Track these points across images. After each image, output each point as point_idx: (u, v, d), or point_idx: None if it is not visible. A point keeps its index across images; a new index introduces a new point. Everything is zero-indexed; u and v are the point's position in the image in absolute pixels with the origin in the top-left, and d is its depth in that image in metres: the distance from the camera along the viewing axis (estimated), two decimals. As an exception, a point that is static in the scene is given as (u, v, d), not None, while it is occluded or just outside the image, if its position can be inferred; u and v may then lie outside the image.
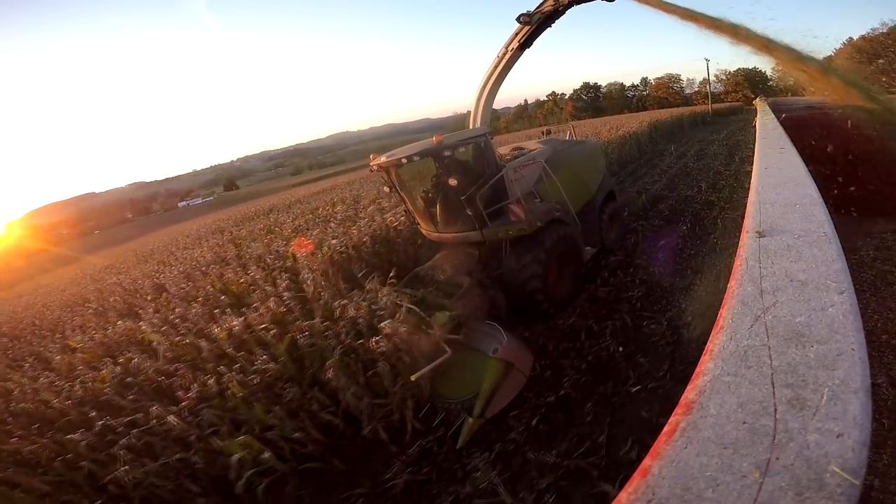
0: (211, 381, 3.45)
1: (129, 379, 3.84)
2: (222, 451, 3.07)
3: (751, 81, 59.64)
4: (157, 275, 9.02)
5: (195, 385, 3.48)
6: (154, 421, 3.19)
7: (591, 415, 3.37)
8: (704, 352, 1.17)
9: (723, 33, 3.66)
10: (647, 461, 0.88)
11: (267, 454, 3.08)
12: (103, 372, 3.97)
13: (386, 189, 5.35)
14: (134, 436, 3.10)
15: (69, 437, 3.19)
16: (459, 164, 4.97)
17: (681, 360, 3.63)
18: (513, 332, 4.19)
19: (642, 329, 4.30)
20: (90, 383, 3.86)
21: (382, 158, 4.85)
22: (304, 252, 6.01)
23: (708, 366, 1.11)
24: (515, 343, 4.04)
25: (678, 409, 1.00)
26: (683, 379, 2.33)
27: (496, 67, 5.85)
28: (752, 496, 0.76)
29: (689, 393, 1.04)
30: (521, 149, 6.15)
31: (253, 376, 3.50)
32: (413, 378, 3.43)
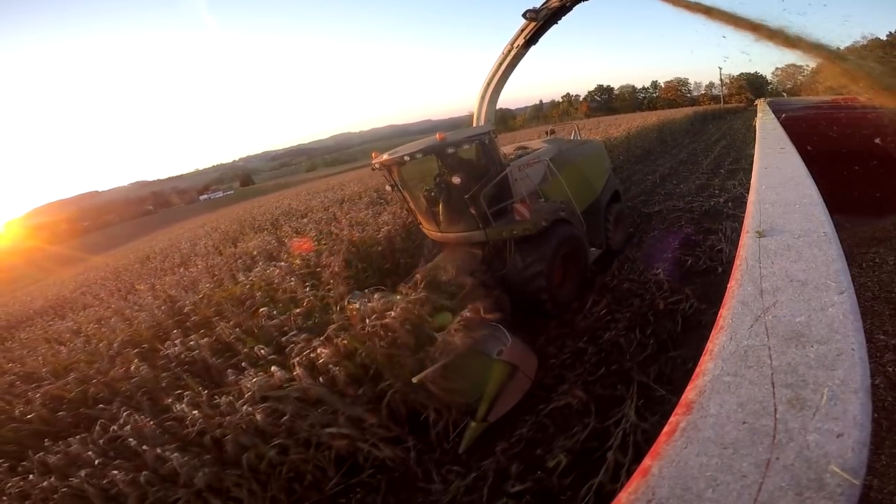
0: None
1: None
2: None
3: (752, 85, 60.48)
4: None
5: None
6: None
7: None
8: (704, 352, 1.17)
9: (745, 29, 3.66)
10: (647, 461, 0.88)
11: None
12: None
13: (388, 188, 5.28)
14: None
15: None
16: (463, 162, 4.91)
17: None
18: (516, 334, 4.13)
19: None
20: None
21: (385, 156, 4.77)
22: (304, 251, 5.98)
23: (708, 366, 1.11)
24: (520, 345, 3.92)
25: (678, 409, 0.99)
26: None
27: (501, 64, 5.76)
28: (752, 496, 0.76)
29: (690, 393, 1.04)
30: (525, 147, 6.05)
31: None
32: (415, 380, 3.31)
